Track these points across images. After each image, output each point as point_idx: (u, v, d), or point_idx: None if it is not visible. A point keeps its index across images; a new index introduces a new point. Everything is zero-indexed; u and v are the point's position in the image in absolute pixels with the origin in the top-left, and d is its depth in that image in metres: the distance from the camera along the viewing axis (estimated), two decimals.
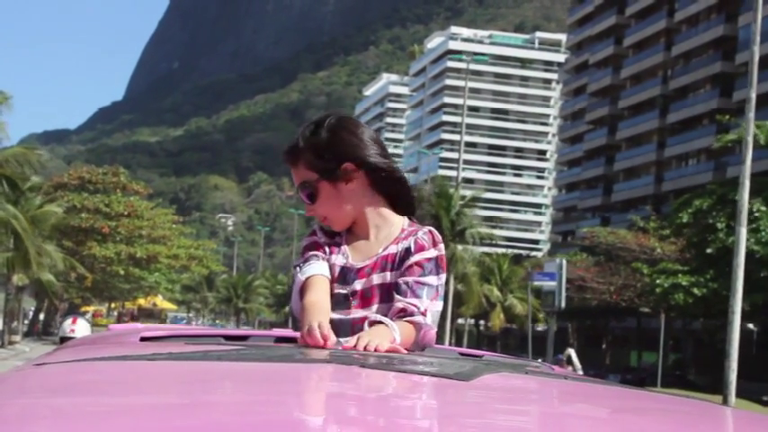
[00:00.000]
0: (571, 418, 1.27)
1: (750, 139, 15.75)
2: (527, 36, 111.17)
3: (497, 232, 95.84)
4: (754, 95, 15.83)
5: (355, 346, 1.84)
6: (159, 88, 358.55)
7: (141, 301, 61.47)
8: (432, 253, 2.10)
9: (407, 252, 2.11)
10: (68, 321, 30.13)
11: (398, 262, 2.12)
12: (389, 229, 2.15)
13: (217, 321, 77.31)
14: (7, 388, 1.31)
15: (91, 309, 63.79)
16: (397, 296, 2.07)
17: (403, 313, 2.03)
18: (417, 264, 2.09)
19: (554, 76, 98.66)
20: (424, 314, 2.04)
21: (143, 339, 2.14)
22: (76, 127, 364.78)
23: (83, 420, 1.01)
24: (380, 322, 2.00)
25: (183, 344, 1.95)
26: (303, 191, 2.11)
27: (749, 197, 27.65)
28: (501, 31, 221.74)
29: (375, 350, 1.81)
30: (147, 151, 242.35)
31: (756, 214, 26.73)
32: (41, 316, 47.95)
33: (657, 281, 27.72)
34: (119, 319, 59.09)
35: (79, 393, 1.25)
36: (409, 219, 2.18)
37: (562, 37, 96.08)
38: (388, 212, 2.15)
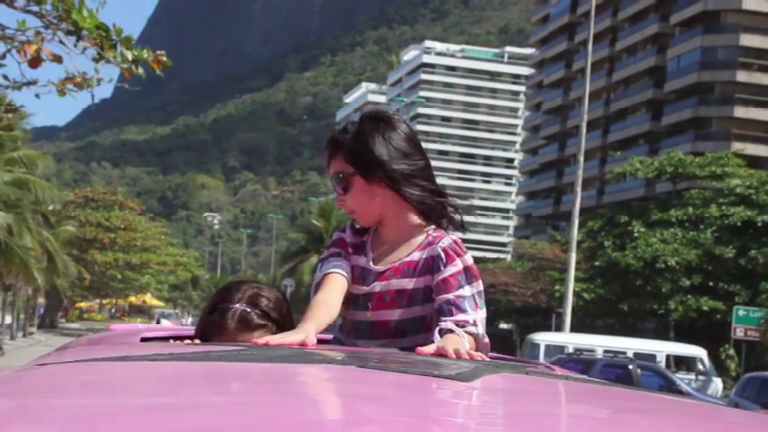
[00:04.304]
0: (572, 419, 1.27)
1: (579, 189, 21.83)
2: (497, 50, 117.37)
3: (467, 236, 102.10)
4: (581, 158, 21.95)
5: (434, 352, 1.84)
6: (147, 86, 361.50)
7: (132, 299, 67.74)
8: (460, 265, 2.09)
9: (433, 260, 2.10)
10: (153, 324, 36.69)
11: (422, 268, 2.11)
12: (415, 235, 2.14)
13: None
14: (9, 388, 1.33)
15: (84, 305, 70.18)
16: (442, 317, 2.04)
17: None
18: (450, 278, 2.07)
19: (522, 88, 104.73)
20: (475, 325, 2.03)
21: (144, 340, 2.14)
22: (65, 124, 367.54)
23: (84, 421, 1.02)
24: (451, 330, 2.00)
25: (183, 344, 1.96)
26: (337, 181, 2.13)
27: (630, 219, 33.98)
28: (486, 32, 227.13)
29: (458, 355, 1.80)
30: (135, 150, 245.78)
31: (636, 234, 32.98)
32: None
33: (557, 286, 34.06)
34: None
35: (80, 394, 1.27)
36: (438, 227, 2.16)
37: (530, 51, 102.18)
38: (415, 218, 2.14)
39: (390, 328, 2.12)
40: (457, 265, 2.09)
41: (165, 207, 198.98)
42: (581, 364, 14.70)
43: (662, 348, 20.89)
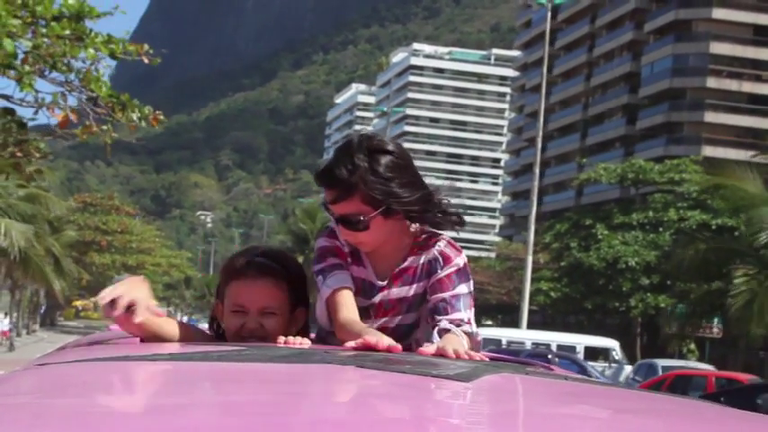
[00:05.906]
0: (571, 419, 1.27)
1: (534, 198, 24.13)
2: (484, 52, 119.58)
3: (454, 234, 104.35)
4: (537, 170, 24.22)
5: (435, 353, 1.85)
6: (140, 85, 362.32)
7: None
8: (457, 264, 2.14)
9: (431, 264, 2.14)
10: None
11: (420, 274, 2.15)
12: (404, 239, 2.18)
13: (193, 316, 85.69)
14: (10, 388, 1.33)
15: (80, 303, 72.56)
16: (437, 317, 2.07)
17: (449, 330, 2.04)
18: (445, 278, 2.12)
19: (508, 89, 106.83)
20: (469, 323, 2.09)
21: (144, 340, 2.15)
22: (57, 123, 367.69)
23: (85, 420, 1.01)
24: (449, 330, 2.04)
25: (183, 344, 1.99)
26: (353, 221, 2.08)
27: (595, 222, 36.27)
28: (477, 31, 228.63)
29: (457, 355, 1.81)
30: (128, 148, 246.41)
31: (599, 236, 35.32)
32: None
33: None
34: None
35: (81, 394, 1.27)
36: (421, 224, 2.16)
37: (516, 53, 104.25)
38: (406, 227, 2.18)
39: (386, 335, 2.13)
40: (453, 266, 2.14)
41: (159, 206, 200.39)
42: (509, 354, 17.00)
43: (581, 341, 24.02)
